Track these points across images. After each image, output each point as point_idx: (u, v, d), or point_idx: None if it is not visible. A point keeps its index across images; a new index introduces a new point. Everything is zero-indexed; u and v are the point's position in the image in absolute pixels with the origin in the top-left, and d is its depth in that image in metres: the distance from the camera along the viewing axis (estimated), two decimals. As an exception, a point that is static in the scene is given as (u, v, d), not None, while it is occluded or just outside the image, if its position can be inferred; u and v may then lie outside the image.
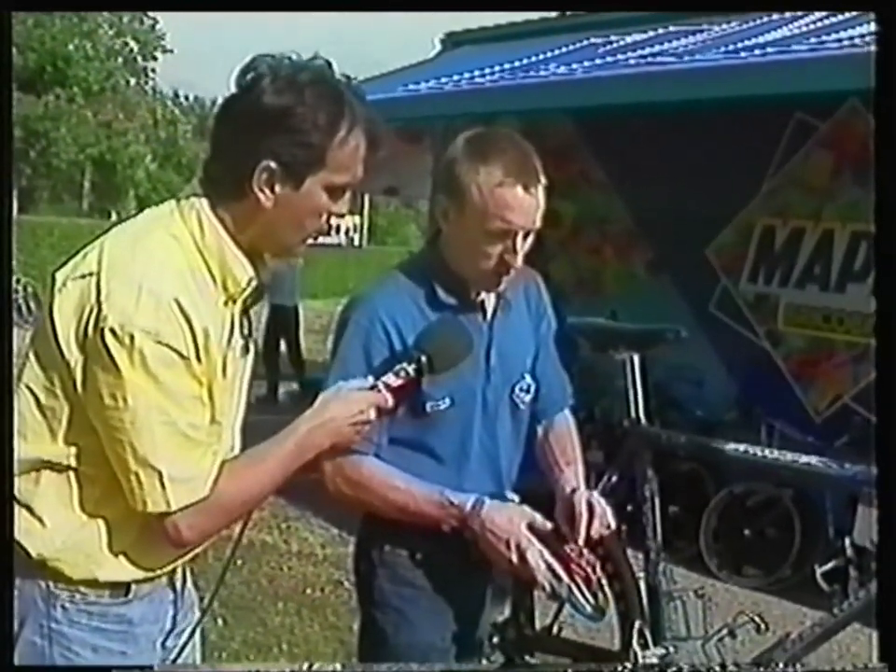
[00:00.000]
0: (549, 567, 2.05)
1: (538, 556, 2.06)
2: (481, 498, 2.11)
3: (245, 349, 1.82)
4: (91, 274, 1.64)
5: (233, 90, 1.69)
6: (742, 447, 2.41)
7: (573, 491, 2.21)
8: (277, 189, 1.66)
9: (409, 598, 2.23)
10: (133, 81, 35.85)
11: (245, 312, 1.79)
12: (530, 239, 2.10)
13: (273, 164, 1.65)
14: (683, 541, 5.79)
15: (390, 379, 1.93)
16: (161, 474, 1.64)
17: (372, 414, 1.88)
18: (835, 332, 6.19)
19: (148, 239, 1.68)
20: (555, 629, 2.65)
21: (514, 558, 2.06)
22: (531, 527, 2.08)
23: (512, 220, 2.05)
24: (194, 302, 1.63)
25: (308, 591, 5.15)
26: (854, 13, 5.40)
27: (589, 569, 2.08)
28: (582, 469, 2.33)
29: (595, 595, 2.08)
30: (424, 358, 1.97)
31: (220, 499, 1.70)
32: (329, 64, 1.73)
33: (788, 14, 6.03)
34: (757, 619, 2.27)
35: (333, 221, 1.82)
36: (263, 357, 10.20)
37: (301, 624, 4.72)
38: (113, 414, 1.61)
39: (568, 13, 7.85)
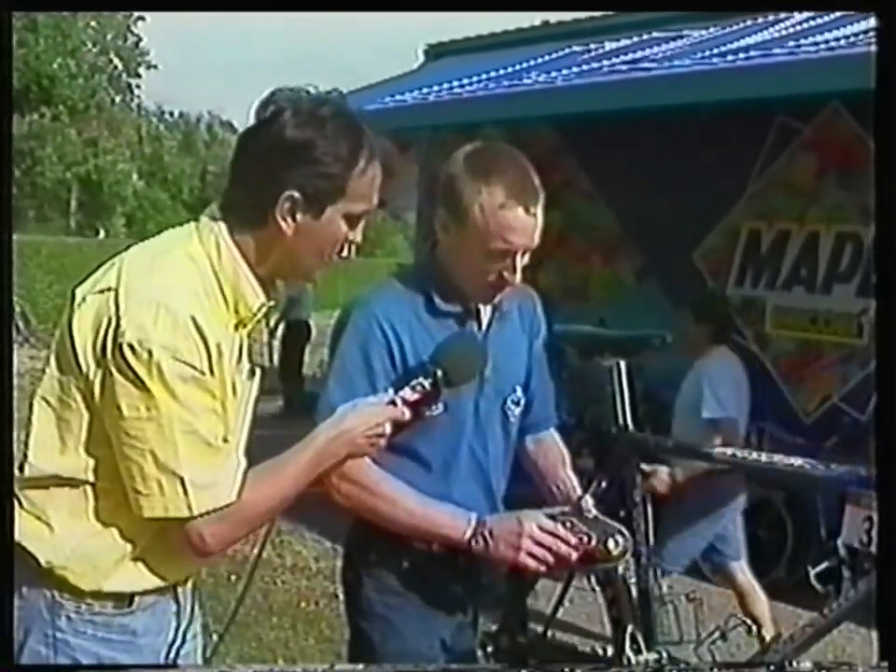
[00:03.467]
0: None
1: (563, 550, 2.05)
2: (480, 522, 2.09)
3: (251, 373, 1.86)
4: (109, 290, 1.69)
5: (253, 121, 1.75)
6: (729, 451, 2.42)
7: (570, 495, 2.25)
8: (298, 217, 1.72)
9: (395, 607, 2.24)
10: (117, 98, 35.77)
11: (262, 334, 1.83)
12: (527, 256, 2.12)
13: (295, 194, 1.70)
14: (676, 546, 5.79)
15: (407, 393, 1.97)
16: (182, 480, 1.67)
17: (388, 428, 1.92)
18: (823, 334, 6.22)
19: (166, 258, 1.73)
20: (549, 635, 2.66)
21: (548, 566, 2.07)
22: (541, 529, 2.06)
23: (514, 241, 2.08)
24: (208, 321, 1.68)
25: (303, 604, 5.15)
26: (836, 15, 5.43)
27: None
28: (574, 476, 2.35)
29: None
30: (440, 373, 2.00)
31: (242, 507, 1.74)
32: (344, 97, 1.80)
33: (768, 18, 6.07)
34: (748, 621, 2.28)
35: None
36: (280, 372, 10.26)
37: (296, 638, 4.72)
38: (134, 424, 1.65)
39: (551, 21, 7.89)
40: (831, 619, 2.26)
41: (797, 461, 2.38)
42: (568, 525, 2.04)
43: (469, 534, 2.09)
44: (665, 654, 2.20)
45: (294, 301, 10.38)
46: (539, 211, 2.09)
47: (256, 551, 1.92)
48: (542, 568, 2.06)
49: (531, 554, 2.05)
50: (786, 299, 6.40)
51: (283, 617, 4.98)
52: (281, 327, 10.74)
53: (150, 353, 1.62)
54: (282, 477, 1.81)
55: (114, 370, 1.64)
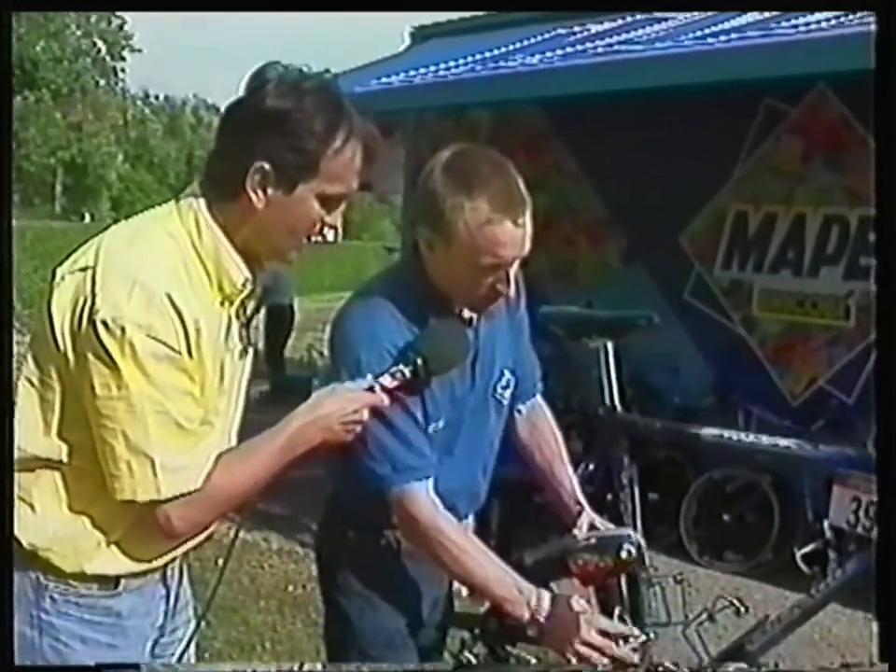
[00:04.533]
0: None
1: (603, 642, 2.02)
2: (542, 601, 2.03)
3: (244, 352, 1.84)
4: (87, 268, 1.67)
5: (241, 93, 1.73)
6: (717, 431, 2.42)
7: (577, 506, 2.27)
8: (269, 191, 1.69)
9: (374, 584, 2.23)
10: (102, 82, 35.57)
11: (242, 314, 1.81)
12: (518, 263, 2.05)
13: (266, 166, 1.67)
14: (664, 528, 5.82)
15: (386, 380, 1.94)
16: (153, 462, 1.66)
17: (365, 415, 1.89)
18: (810, 316, 6.22)
19: (145, 236, 1.71)
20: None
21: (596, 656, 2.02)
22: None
23: (504, 255, 1.99)
24: (187, 300, 1.66)
25: (290, 588, 5.13)
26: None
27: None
28: (569, 462, 2.35)
29: None
30: (420, 361, 1.96)
31: (212, 492, 1.72)
32: (335, 77, 1.78)
33: None
34: (737, 602, 2.28)
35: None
36: (265, 356, 10.24)
37: (283, 622, 4.70)
38: (106, 404, 1.63)
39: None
40: (818, 599, 2.27)
41: (785, 442, 2.38)
42: (581, 562, 2.06)
43: (527, 617, 2.03)
44: (652, 636, 2.19)
45: (274, 286, 10.32)
46: (528, 218, 1.99)
47: (231, 534, 1.89)
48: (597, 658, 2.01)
49: (585, 646, 2.00)
50: (773, 281, 6.40)
51: (270, 601, 4.96)
52: (262, 312, 10.67)
53: (123, 330, 1.60)
54: (254, 461, 1.79)
55: (87, 347, 1.63)
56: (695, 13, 6.27)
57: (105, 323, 1.60)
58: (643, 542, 2.12)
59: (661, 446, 5.85)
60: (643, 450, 5.33)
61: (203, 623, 2.14)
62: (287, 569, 5.42)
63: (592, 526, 2.24)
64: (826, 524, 5.39)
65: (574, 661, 2.06)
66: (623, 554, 2.08)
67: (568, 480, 2.35)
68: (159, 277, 1.64)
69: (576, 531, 2.21)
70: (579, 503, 2.29)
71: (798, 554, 5.51)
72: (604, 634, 2.02)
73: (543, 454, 2.39)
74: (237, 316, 1.80)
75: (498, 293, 2.06)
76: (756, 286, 6.48)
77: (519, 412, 2.40)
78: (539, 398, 2.45)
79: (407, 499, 2.07)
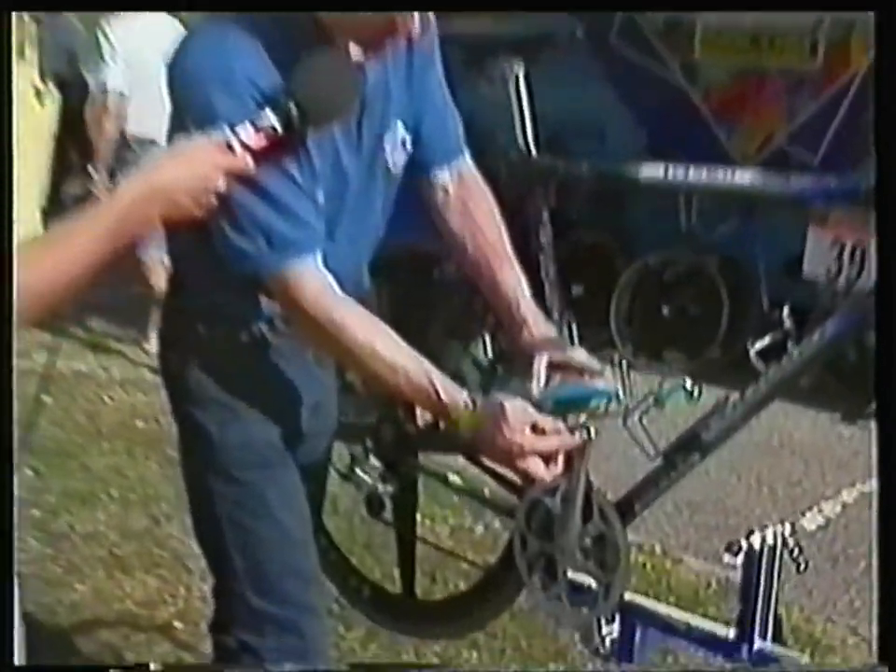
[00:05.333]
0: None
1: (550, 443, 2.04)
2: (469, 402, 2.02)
3: (40, 96, 1.71)
4: None
5: None
6: (661, 170, 2.29)
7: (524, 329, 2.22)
8: None
9: (236, 388, 2.17)
10: None
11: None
12: None
13: None
14: (591, 327, 5.86)
15: (249, 135, 1.76)
16: None
17: (221, 183, 1.74)
18: (765, 57, 6.19)
19: None
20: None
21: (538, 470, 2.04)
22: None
23: None
24: None
25: (139, 423, 5.17)
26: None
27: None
28: (513, 257, 2.27)
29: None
30: (293, 108, 1.79)
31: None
32: None
33: None
34: (688, 384, 2.23)
35: None
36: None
37: (133, 464, 4.74)
38: None
39: None
40: (789, 370, 2.22)
41: (746, 177, 2.27)
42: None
43: (446, 414, 2.03)
44: (592, 431, 2.16)
45: (68, 53, 9.94)
46: None
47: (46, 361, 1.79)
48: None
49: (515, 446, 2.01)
50: (720, 16, 6.23)
51: (115, 441, 4.99)
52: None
53: None
54: (69, 248, 1.68)
55: None
56: None
57: None
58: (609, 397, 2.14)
59: (586, 229, 5.87)
60: (565, 234, 5.32)
61: (30, 473, 2.05)
62: (135, 402, 5.44)
63: (551, 364, 2.17)
64: (786, 311, 5.48)
65: (500, 464, 2.09)
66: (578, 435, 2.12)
67: (515, 283, 2.25)
68: None
69: (532, 384, 2.13)
70: (525, 322, 2.22)
71: (752, 350, 5.60)
72: (536, 430, 2.01)
73: (478, 244, 2.28)
74: (26, 59, 1.67)
75: (394, 26, 1.92)
76: (699, 22, 6.38)
77: (445, 190, 2.28)
78: (469, 164, 2.31)
79: (289, 280, 1.98)
